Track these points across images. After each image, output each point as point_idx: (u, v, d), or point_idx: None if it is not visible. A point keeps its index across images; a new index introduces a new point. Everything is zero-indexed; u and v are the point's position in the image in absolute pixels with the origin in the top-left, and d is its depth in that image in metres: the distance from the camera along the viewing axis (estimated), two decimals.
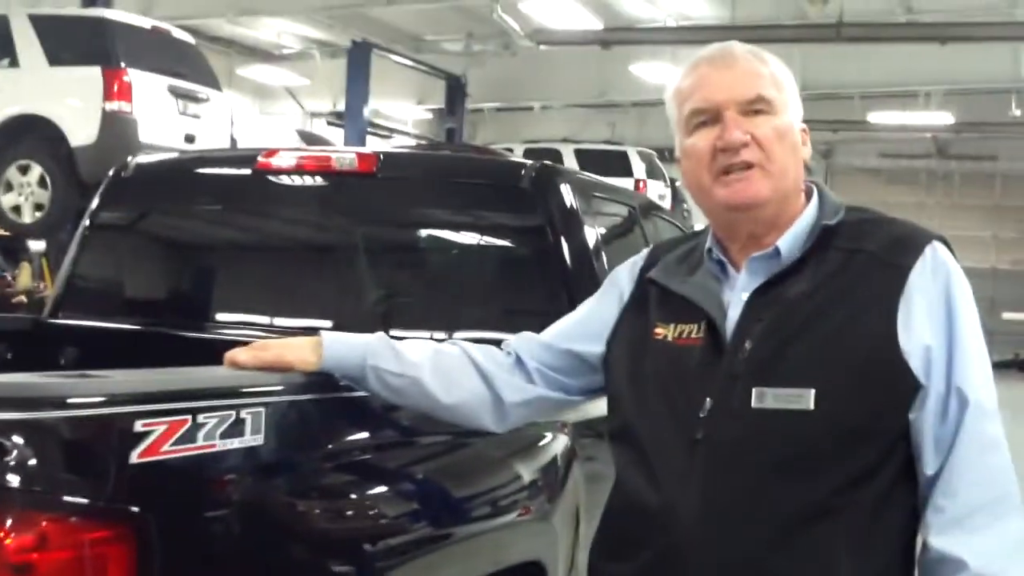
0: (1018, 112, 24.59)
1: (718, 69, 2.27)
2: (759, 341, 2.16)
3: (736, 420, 2.13)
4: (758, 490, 2.10)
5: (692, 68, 2.31)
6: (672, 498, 2.16)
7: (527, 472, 3.22)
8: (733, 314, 2.22)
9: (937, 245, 2.19)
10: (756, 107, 2.23)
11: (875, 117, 25.98)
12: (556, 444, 3.37)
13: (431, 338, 3.84)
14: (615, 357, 2.42)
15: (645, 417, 2.27)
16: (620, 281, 2.52)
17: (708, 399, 2.16)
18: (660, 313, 2.34)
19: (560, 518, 3.30)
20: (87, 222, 4.53)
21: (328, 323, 4.06)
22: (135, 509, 1.97)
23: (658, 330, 2.31)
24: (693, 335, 2.25)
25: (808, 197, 2.33)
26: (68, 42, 13.08)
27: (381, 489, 2.72)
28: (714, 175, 2.23)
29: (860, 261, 2.17)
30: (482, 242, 4.24)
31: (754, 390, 2.12)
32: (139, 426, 1.96)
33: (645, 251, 2.56)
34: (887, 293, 2.12)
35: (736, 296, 2.25)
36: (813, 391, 2.08)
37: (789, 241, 2.23)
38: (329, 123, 28.66)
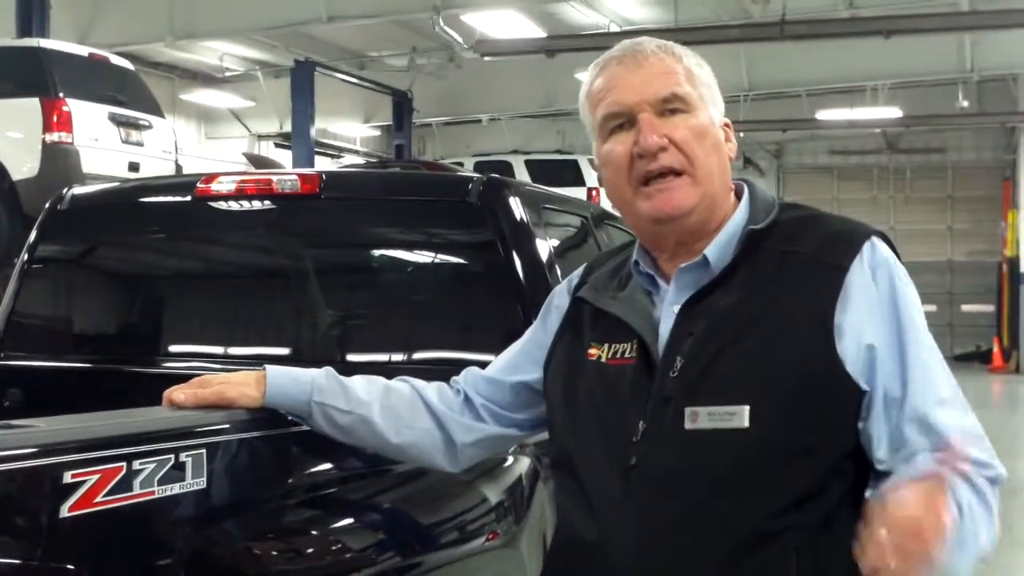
0: (965, 103, 24.73)
1: (628, 68, 2.16)
2: (690, 357, 2.05)
3: (669, 443, 2.02)
4: (697, 517, 1.99)
5: (602, 68, 2.21)
6: (608, 531, 2.06)
7: (492, 496, 3.12)
8: (664, 330, 2.11)
9: (876, 241, 2.09)
10: (671, 106, 2.13)
11: (824, 115, 26.08)
12: (519, 465, 3.28)
13: (388, 360, 3.82)
14: (551, 382, 2.32)
15: (580, 444, 2.17)
16: (557, 301, 2.43)
17: (641, 422, 2.05)
18: (593, 333, 2.23)
19: (527, 542, 3.21)
20: (25, 257, 4.40)
21: (283, 350, 3.99)
22: (70, 567, 1.86)
23: (591, 351, 2.21)
24: (627, 355, 2.14)
25: (739, 196, 2.22)
26: (4, 73, 12.90)
27: (335, 525, 2.62)
28: (635, 185, 2.13)
29: (795, 264, 2.06)
30: (433, 260, 4.15)
31: (687, 410, 2.01)
32: (68, 477, 1.85)
33: (582, 267, 2.46)
34: (824, 296, 2.01)
35: (667, 310, 2.14)
36: (748, 407, 1.97)
37: (718, 248, 2.12)
38: (277, 145, 28.55)
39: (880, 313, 2.02)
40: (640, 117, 2.12)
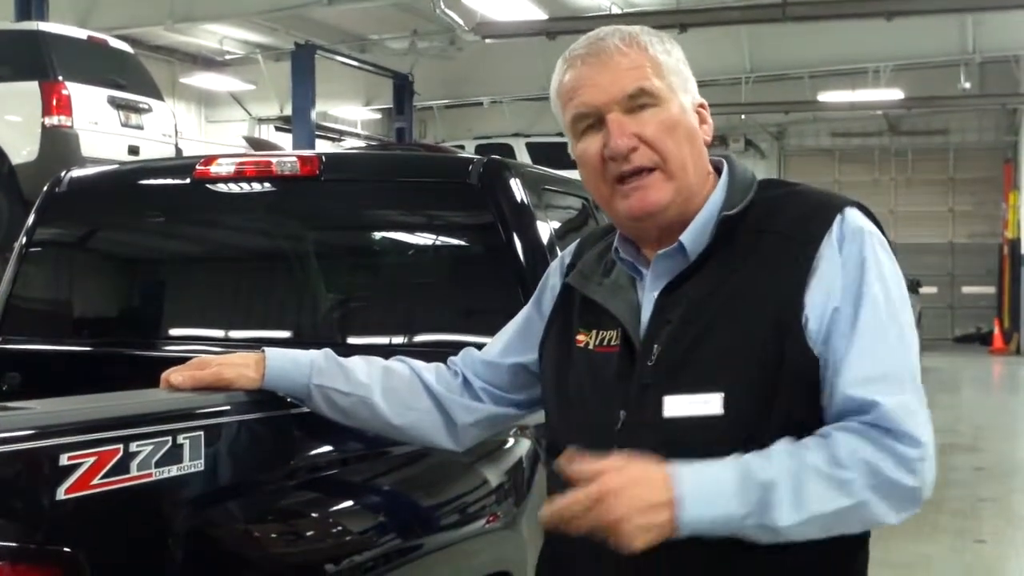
0: (967, 85, 24.72)
1: (592, 67, 2.10)
2: (667, 345, 2.03)
3: (648, 432, 1.99)
4: None
5: (568, 65, 2.15)
6: None
7: (493, 478, 3.13)
8: (645, 317, 2.09)
9: (848, 211, 2.05)
10: (640, 102, 2.08)
11: (825, 96, 26.03)
12: (520, 447, 3.28)
13: (389, 343, 3.80)
14: (545, 366, 2.31)
15: (568, 432, 2.15)
16: (552, 280, 2.41)
17: (622, 411, 2.03)
18: (582, 319, 2.21)
19: (528, 524, 3.20)
20: (23, 240, 4.38)
21: (283, 333, 3.98)
22: (67, 549, 1.85)
23: (580, 337, 2.19)
24: (612, 342, 2.13)
25: (720, 172, 2.18)
26: (3, 57, 12.90)
27: (334, 507, 2.62)
28: (610, 184, 2.10)
29: (768, 244, 2.03)
30: (434, 242, 4.13)
31: (665, 399, 1.99)
32: (65, 459, 1.83)
33: (573, 245, 2.43)
34: (795, 276, 1.98)
35: (648, 297, 2.11)
36: (721, 395, 1.95)
37: (693, 234, 2.09)
38: (277, 128, 28.51)
39: (842, 281, 1.98)
40: (608, 118, 2.08)
